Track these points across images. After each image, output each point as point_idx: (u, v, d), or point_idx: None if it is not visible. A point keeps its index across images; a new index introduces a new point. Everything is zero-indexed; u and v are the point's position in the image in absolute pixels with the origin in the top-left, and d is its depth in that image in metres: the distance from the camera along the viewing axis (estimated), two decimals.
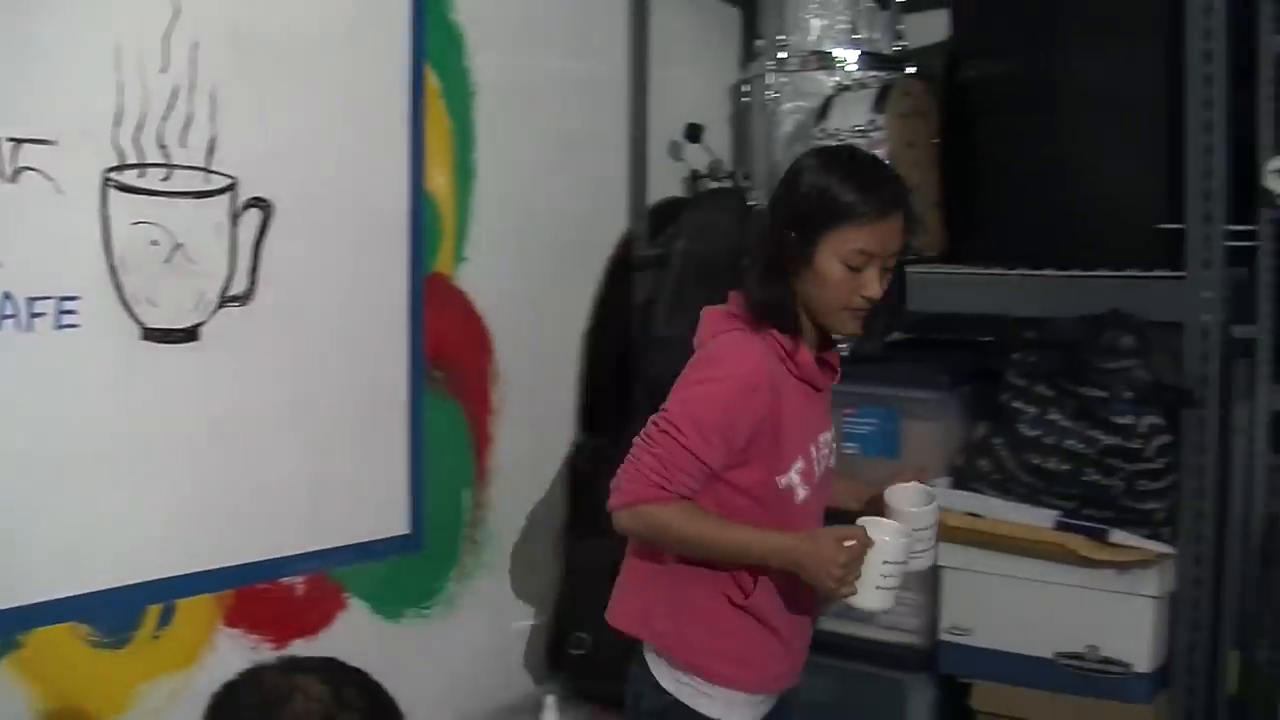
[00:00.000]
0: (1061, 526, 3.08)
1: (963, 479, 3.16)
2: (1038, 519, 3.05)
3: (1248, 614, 3.03)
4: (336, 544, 3.09)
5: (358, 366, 3.09)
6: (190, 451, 2.79)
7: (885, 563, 2.22)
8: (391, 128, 3.13)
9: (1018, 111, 3.22)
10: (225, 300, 2.81)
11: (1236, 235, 2.94)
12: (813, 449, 2.39)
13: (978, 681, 3.18)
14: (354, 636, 3.15)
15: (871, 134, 3.35)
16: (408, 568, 3.26)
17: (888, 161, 3.31)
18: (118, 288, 2.62)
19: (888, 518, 2.35)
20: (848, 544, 2.20)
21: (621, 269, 3.70)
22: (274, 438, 2.94)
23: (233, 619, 2.93)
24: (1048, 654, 3.05)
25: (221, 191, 2.78)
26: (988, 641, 3.14)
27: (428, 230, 3.21)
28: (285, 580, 2.97)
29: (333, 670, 1.93)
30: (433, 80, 3.21)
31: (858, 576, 2.22)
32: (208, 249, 2.77)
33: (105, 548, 2.68)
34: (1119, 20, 3.08)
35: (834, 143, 3.40)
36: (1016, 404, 3.11)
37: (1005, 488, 3.08)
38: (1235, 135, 2.90)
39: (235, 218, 2.82)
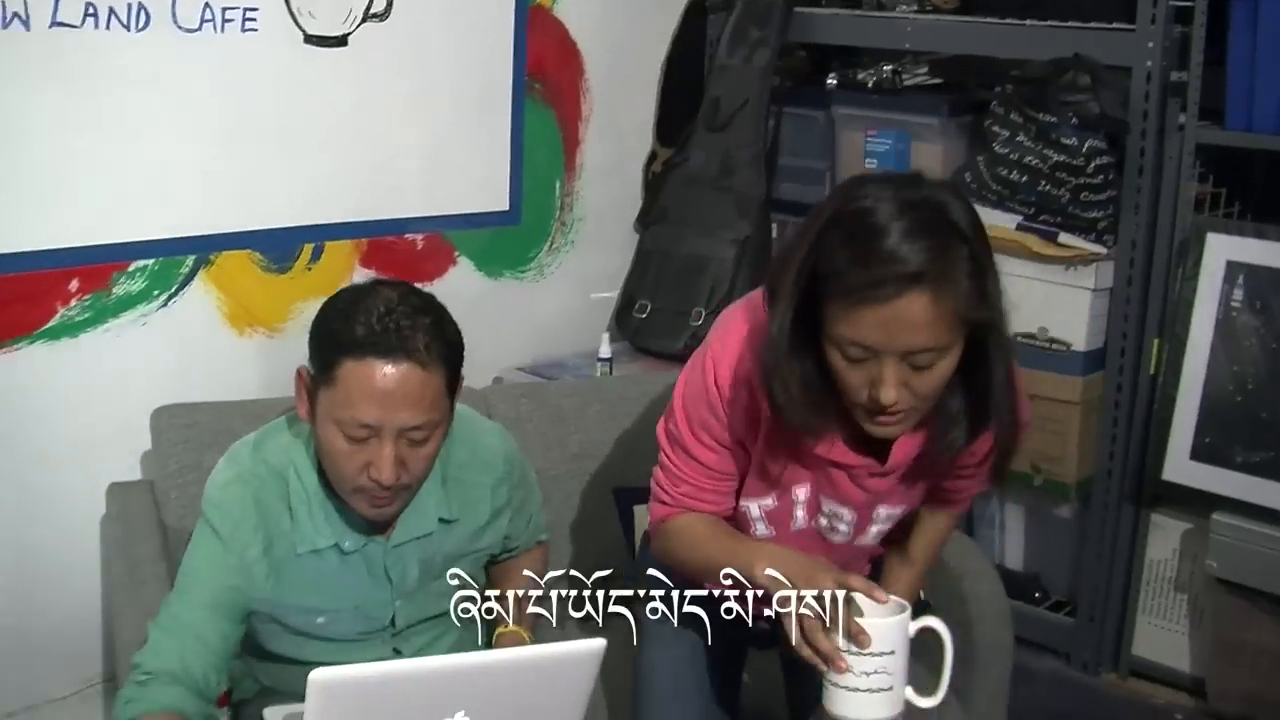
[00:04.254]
0: (1022, 228, 3.64)
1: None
2: (1004, 221, 3.62)
3: (1167, 308, 3.58)
4: (449, 212, 3.67)
5: (471, 74, 3.66)
6: (337, 130, 3.40)
7: None
8: None
9: None
10: (368, 16, 3.39)
11: None
12: None
13: None
14: (461, 287, 3.68)
15: None
16: (507, 237, 3.85)
17: None
18: (286, 2, 3.25)
19: None
20: None
21: (698, 11, 4.25)
22: (401, 123, 3.52)
23: (366, 261, 3.53)
24: None
25: None
26: None
27: None
28: (409, 236, 3.59)
29: (410, 288, 2.28)
30: None
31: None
32: None
33: (272, 198, 3.32)
34: None
35: None
36: (994, 128, 3.67)
37: (981, 195, 3.65)
38: None
39: None
